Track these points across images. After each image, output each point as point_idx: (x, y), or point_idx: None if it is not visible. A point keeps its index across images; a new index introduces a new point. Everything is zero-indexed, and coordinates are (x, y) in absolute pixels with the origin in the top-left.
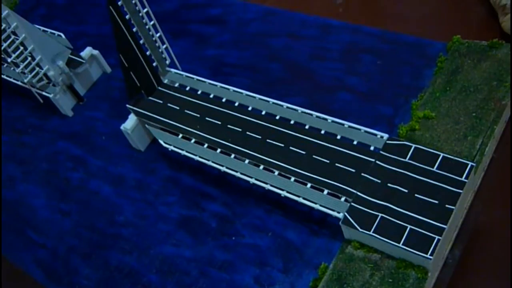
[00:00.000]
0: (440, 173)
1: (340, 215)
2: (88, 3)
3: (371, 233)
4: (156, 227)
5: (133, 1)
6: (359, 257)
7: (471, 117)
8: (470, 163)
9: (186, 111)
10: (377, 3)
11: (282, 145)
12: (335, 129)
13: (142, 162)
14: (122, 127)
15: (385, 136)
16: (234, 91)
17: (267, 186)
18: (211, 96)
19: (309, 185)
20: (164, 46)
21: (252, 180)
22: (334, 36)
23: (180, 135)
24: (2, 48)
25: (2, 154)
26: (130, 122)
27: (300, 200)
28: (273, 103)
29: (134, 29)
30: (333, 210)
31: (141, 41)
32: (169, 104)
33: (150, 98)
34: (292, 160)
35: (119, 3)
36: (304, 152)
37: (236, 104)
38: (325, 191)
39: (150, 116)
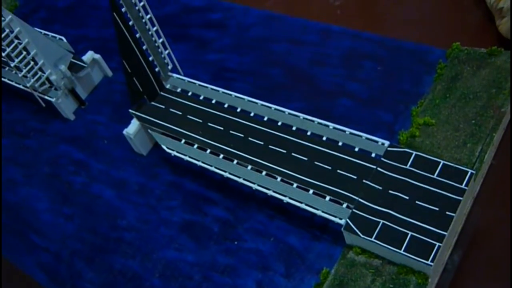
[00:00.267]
0: (441, 180)
1: (342, 221)
2: (88, 6)
3: (372, 239)
4: (158, 231)
5: (137, 8)
6: (361, 263)
7: (470, 124)
8: (470, 171)
9: (188, 116)
10: (374, 5)
11: (285, 151)
12: (336, 135)
13: (144, 167)
14: (124, 132)
15: (386, 143)
16: (236, 96)
17: (270, 192)
18: (213, 101)
19: (311, 191)
20: (167, 52)
21: (255, 186)
22: (335, 42)
23: (183, 141)
24: (6, 53)
25: (4, 157)
26: (132, 127)
27: (303, 206)
28: (275, 109)
29: (137, 35)
30: (335, 216)
31: (144, 47)
32: (171, 109)
33: (152, 103)
34: (295, 166)
35: (123, 9)
36: (306, 159)
37: (238, 109)
38: (327, 198)
39: (152, 121)
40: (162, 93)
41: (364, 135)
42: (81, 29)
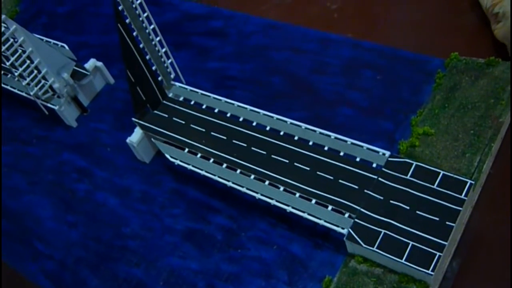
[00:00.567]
0: (441, 191)
1: (344, 231)
2: (89, 13)
3: (374, 249)
4: (162, 239)
5: (140, 18)
6: (363, 271)
7: (469, 134)
8: (469, 181)
9: (191, 125)
10: (371, 10)
11: (287, 161)
12: (338, 145)
13: (147, 174)
14: (128, 140)
15: (387, 153)
16: (238, 106)
17: (273, 202)
18: (216, 110)
19: (313, 201)
20: (170, 61)
21: (258, 196)
22: (334, 51)
23: (186, 150)
24: (10, 62)
25: (7, 164)
26: (136, 136)
27: (305, 215)
28: (277, 118)
29: (141, 45)
30: (337, 226)
31: (147, 56)
32: (174, 118)
33: (155, 111)
34: (297, 176)
35: (127, 20)
36: (308, 168)
37: (241, 119)
38: (330, 207)
39: (155, 130)
40: (165, 102)
41: (365, 145)
42: (82, 35)
